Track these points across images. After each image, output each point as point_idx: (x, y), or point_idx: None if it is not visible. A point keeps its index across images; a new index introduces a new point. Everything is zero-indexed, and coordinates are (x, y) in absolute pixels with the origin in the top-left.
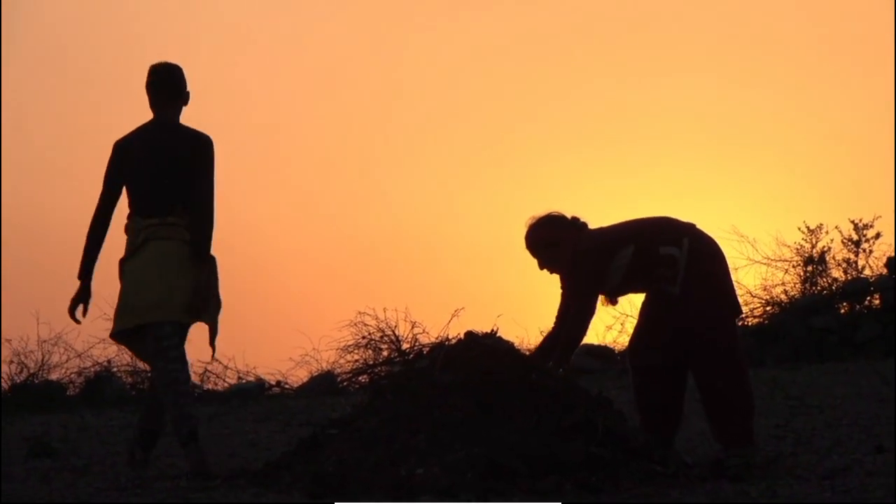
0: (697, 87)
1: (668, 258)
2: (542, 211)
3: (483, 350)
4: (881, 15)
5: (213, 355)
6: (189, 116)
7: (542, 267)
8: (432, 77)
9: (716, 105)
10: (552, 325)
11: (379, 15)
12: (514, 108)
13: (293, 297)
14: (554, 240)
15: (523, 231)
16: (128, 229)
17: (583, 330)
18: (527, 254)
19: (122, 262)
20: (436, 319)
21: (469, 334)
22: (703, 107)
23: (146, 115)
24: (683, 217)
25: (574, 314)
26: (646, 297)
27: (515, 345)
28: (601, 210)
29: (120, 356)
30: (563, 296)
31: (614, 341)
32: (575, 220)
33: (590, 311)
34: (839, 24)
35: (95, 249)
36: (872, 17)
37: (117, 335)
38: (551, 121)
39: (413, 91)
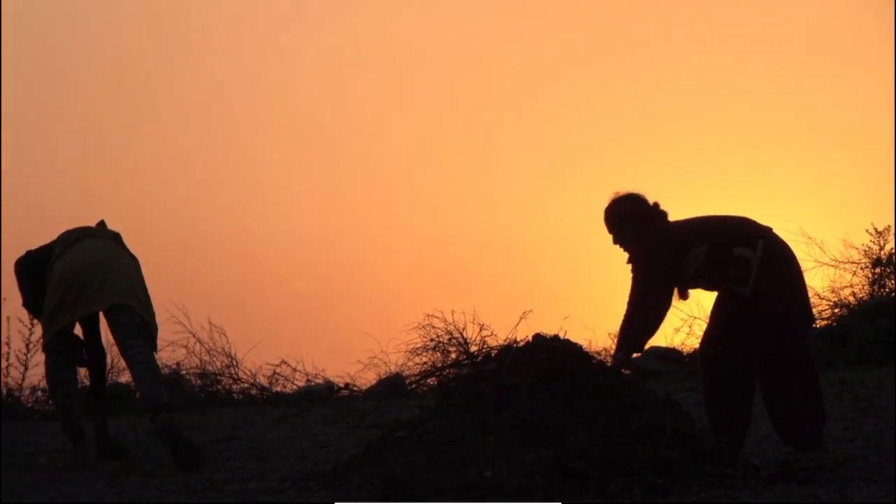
0: (766, 88)
1: (740, 259)
2: (626, 188)
3: (551, 352)
4: None
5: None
6: (272, 111)
7: (615, 241)
8: (502, 78)
9: (784, 106)
10: (625, 312)
11: (459, 14)
12: (583, 108)
13: (362, 299)
14: (632, 216)
15: (601, 214)
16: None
17: (657, 323)
18: (598, 251)
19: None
20: (504, 322)
21: (537, 337)
22: (771, 108)
23: (142, 111)
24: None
25: (649, 308)
26: (717, 298)
27: (583, 347)
28: (669, 209)
29: (189, 359)
30: (633, 281)
31: (682, 343)
32: (656, 205)
33: (665, 305)
34: None
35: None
36: None
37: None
38: (618, 121)
39: (480, 93)
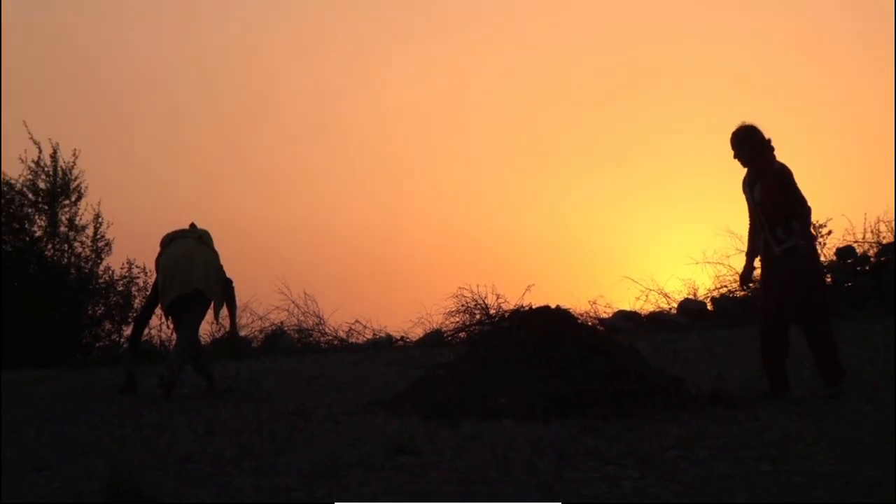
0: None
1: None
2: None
3: (548, 315)
4: None
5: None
6: (345, 124)
7: (736, 157)
8: (512, 96)
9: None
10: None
11: (516, 15)
12: (583, 120)
13: (414, 275)
14: (751, 140)
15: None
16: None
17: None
18: (587, 242)
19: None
20: (515, 292)
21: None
22: None
23: (141, 109)
24: None
25: (806, 211)
26: (768, 266)
27: (571, 311)
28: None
29: (289, 319)
30: (751, 218)
31: (641, 308)
32: (769, 140)
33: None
34: None
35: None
36: None
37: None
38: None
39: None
